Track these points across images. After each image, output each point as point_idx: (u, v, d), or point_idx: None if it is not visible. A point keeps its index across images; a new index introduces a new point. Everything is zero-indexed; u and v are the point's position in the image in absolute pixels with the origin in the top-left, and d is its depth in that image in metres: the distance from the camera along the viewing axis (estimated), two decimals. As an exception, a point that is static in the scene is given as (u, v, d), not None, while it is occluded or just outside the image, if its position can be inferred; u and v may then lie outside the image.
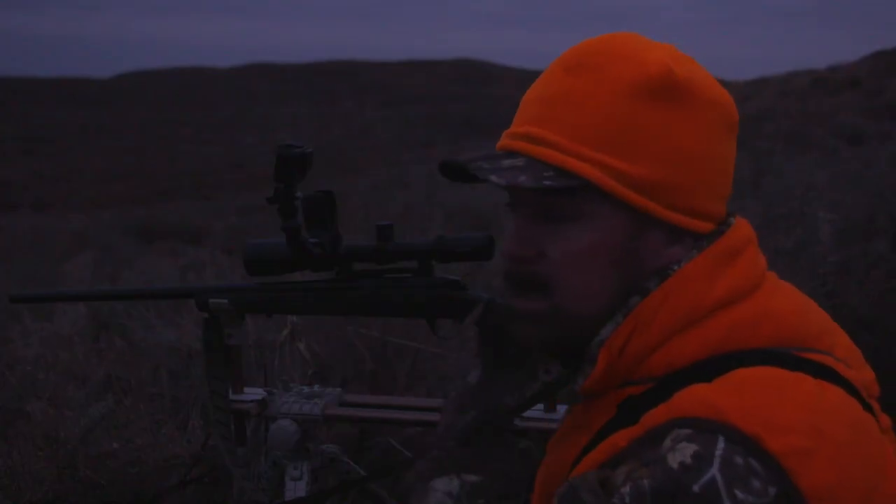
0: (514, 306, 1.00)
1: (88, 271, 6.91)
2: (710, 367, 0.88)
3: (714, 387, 0.85)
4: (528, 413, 1.54)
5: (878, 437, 0.88)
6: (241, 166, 24.37)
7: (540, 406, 1.57)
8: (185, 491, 2.47)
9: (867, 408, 0.91)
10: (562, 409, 1.57)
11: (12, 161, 26.51)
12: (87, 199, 20.33)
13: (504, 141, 0.99)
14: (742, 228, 0.98)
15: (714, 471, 0.78)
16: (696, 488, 0.78)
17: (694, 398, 0.84)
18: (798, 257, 4.08)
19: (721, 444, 0.79)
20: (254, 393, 1.72)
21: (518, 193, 0.98)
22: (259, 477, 1.69)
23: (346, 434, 2.71)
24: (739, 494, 0.77)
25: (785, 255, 4.05)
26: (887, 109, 14.64)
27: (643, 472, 0.81)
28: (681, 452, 0.80)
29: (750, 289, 0.94)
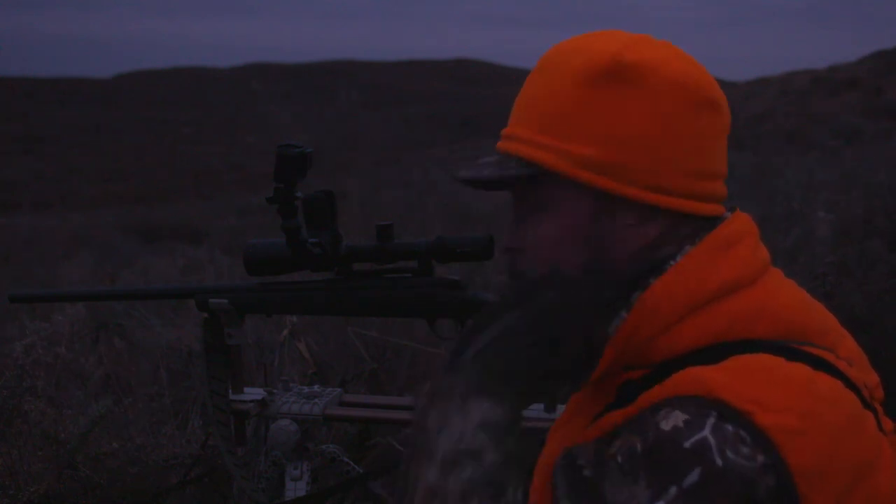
0: None
1: (88, 271, 6.91)
2: (708, 354, 0.90)
3: (710, 369, 0.87)
4: (527, 413, 1.54)
5: (872, 433, 0.89)
6: (241, 166, 24.37)
7: (540, 406, 1.57)
8: (185, 491, 2.47)
9: (867, 406, 0.91)
10: (561, 409, 1.57)
11: (12, 161, 26.50)
12: (87, 199, 20.33)
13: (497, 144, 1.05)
14: (738, 220, 1.00)
15: (705, 433, 0.80)
16: (686, 444, 0.80)
17: (688, 378, 0.86)
18: (796, 257, 4.09)
19: (713, 417, 0.81)
20: (254, 393, 1.72)
21: (512, 193, 1.03)
22: (259, 477, 1.69)
23: (346, 434, 2.71)
24: (730, 454, 0.79)
25: (783, 254, 4.06)
26: (887, 109, 14.64)
27: (634, 439, 0.83)
28: (673, 419, 0.82)
29: (749, 279, 0.96)
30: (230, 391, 1.69)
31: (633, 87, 0.95)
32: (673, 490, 0.79)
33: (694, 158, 0.97)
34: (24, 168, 25.47)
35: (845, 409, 0.87)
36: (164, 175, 23.88)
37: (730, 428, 0.80)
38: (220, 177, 23.21)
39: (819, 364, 0.89)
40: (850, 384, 0.90)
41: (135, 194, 20.60)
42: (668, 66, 0.96)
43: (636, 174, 0.95)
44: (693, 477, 0.79)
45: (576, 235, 0.97)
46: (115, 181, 23.43)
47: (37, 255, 9.00)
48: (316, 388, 1.74)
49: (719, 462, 0.79)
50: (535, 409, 1.57)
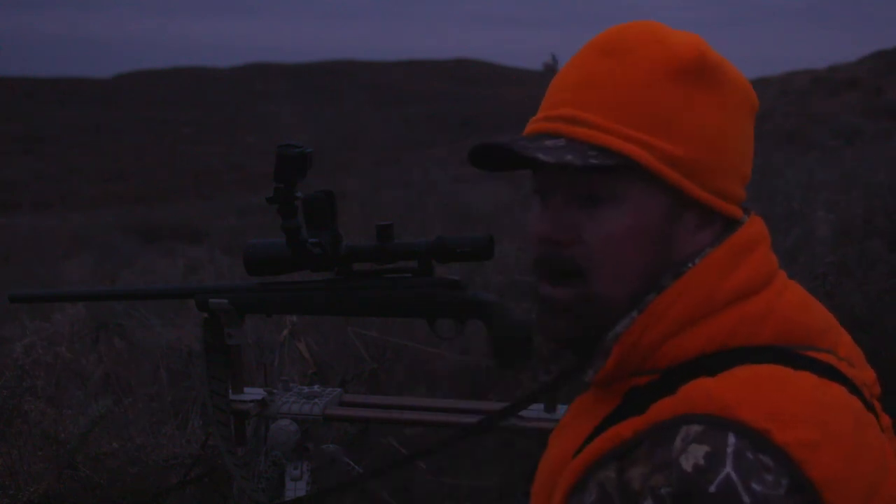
0: (546, 297, 0.98)
1: (88, 271, 6.91)
2: (714, 362, 0.89)
3: (720, 382, 0.85)
4: (527, 413, 1.54)
5: (879, 436, 0.89)
6: (241, 166, 24.36)
7: (540, 406, 1.57)
8: (185, 491, 2.47)
9: (869, 407, 0.92)
10: (562, 409, 1.57)
11: (12, 161, 26.49)
12: (87, 199, 20.33)
13: (538, 125, 0.97)
14: (756, 224, 0.99)
15: (728, 468, 0.79)
16: (712, 489, 0.78)
17: (701, 393, 0.84)
18: (796, 257, 4.09)
19: (732, 441, 0.80)
20: (254, 393, 1.72)
21: (551, 177, 0.96)
22: (259, 477, 1.69)
23: (346, 434, 2.71)
24: (756, 487, 0.78)
25: (783, 254, 4.06)
26: (887, 109, 14.64)
27: (658, 478, 0.81)
28: (693, 454, 0.80)
29: (761, 284, 0.95)
30: (230, 391, 1.69)
31: (713, 88, 0.94)
32: None
33: (745, 163, 0.98)
34: (24, 168, 25.45)
35: (852, 415, 0.86)
36: (164, 175, 23.86)
37: (750, 455, 0.79)
38: (220, 177, 23.20)
39: (823, 370, 0.89)
40: (854, 388, 0.90)
41: (135, 194, 20.59)
42: (735, 71, 0.97)
43: (710, 177, 0.93)
44: None
45: (646, 234, 0.93)
46: (115, 181, 23.42)
47: (37, 255, 9.00)
48: (316, 388, 1.74)
49: (747, 500, 0.77)
50: (535, 409, 1.57)
